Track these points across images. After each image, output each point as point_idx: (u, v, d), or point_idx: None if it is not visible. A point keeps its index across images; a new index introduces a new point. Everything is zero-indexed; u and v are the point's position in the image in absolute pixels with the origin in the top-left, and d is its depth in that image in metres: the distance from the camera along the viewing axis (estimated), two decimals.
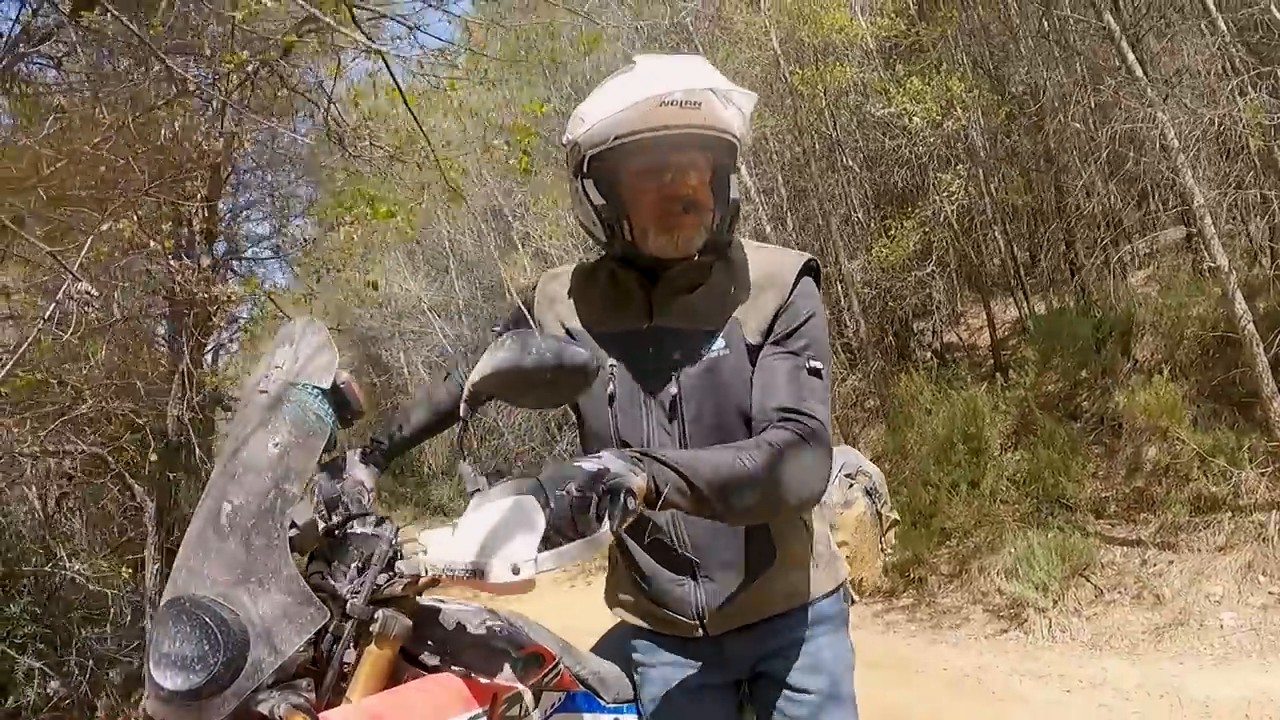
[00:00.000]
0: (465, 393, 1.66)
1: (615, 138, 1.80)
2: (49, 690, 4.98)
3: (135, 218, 4.00)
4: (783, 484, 1.72)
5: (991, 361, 10.69)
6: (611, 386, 1.97)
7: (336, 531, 1.86)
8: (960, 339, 11.89)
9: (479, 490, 1.59)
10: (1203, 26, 7.62)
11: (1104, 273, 9.77)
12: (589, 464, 1.50)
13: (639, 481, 1.50)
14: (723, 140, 1.85)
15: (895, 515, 2.77)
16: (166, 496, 6.03)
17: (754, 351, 1.93)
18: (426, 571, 1.63)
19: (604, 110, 1.81)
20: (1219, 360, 7.71)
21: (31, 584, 5.21)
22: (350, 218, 4.55)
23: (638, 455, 1.55)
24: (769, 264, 2.00)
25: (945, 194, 9.92)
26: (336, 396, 1.97)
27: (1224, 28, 7.41)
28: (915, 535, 8.15)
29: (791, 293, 1.95)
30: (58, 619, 5.23)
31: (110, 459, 5.20)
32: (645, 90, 1.76)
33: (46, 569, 5.12)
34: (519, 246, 13.05)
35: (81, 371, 4.68)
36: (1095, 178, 9.51)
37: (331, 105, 4.71)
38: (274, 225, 10.86)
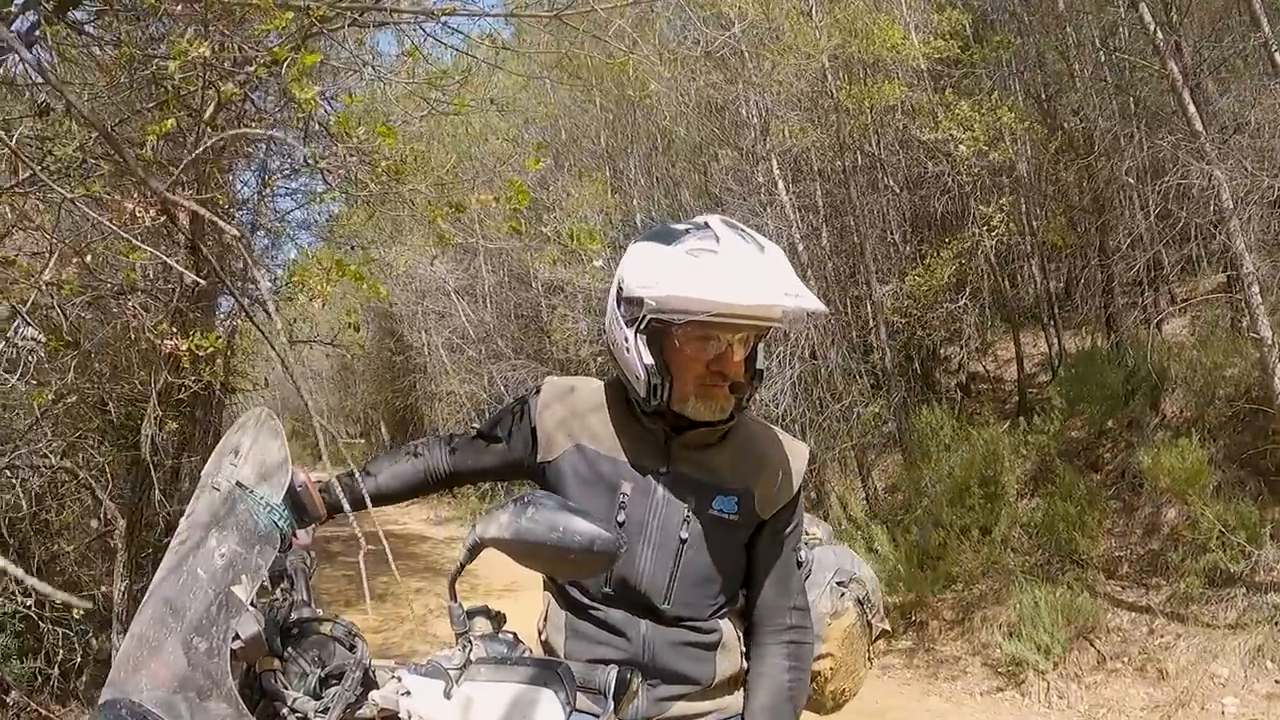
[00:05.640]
0: (469, 542, 1.64)
1: (697, 315, 1.83)
2: (8, 700, 4.95)
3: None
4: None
5: (1017, 399, 10.52)
6: (622, 515, 2.02)
7: (293, 629, 1.78)
8: (986, 370, 11.71)
9: (466, 633, 1.66)
10: (1270, 84, 7.36)
11: (1140, 321, 9.55)
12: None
13: None
14: (773, 327, 1.96)
15: (886, 625, 2.64)
16: (138, 514, 5.98)
17: (758, 525, 2.09)
18: (410, 717, 1.61)
19: (687, 287, 1.84)
20: (1250, 427, 7.50)
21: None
22: (308, 288, 4.35)
23: None
24: (783, 449, 2.15)
25: (985, 227, 9.71)
26: (293, 498, 1.98)
27: None
28: (921, 577, 8.03)
29: (800, 488, 2.15)
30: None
31: (79, 472, 5.15)
32: (745, 291, 1.80)
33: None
34: (549, 239, 12.96)
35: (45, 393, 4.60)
36: (1141, 227, 9.29)
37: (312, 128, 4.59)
38: (298, 200, 10.75)
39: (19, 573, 0.91)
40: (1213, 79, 8.31)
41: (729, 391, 1.95)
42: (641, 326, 1.93)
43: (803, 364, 10.53)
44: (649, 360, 1.93)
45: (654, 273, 1.90)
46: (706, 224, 1.94)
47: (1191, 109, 7.04)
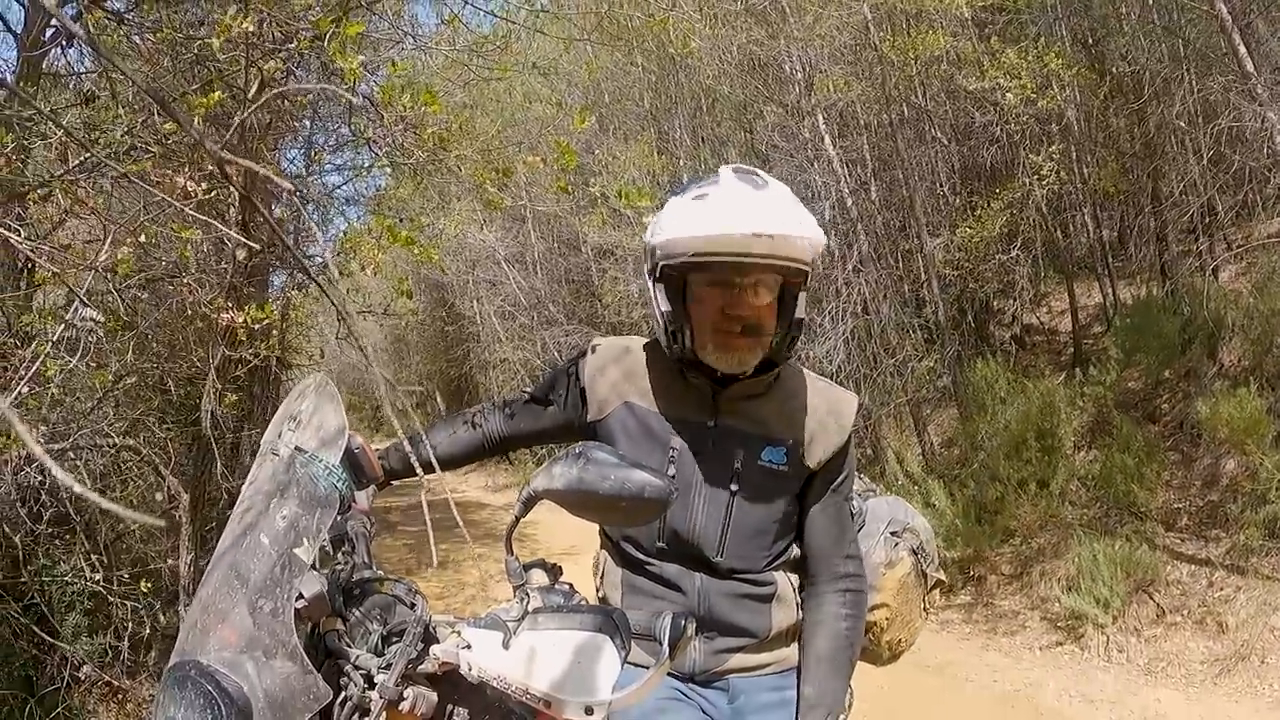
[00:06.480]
0: (524, 494, 1.69)
1: (688, 255, 1.91)
2: (80, 675, 5.11)
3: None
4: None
5: (1072, 350, 10.39)
6: (672, 469, 2.06)
7: (355, 590, 1.82)
8: (1041, 322, 11.57)
9: (523, 585, 1.71)
10: None
11: (1195, 268, 9.38)
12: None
13: None
14: (790, 267, 1.93)
15: (941, 575, 2.64)
16: (201, 489, 6.12)
17: (808, 475, 2.12)
18: (471, 669, 1.65)
19: (682, 228, 1.91)
20: None
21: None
22: (361, 256, 4.42)
23: None
24: (830, 398, 2.17)
25: (1035, 176, 9.56)
26: (350, 460, 2.07)
27: None
28: (978, 532, 7.99)
29: (849, 436, 2.16)
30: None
31: (142, 449, 5.27)
32: (724, 222, 1.86)
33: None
34: (596, 202, 12.92)
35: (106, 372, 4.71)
36: (1195, 172, 9.09)
37: (358, 101, 4.64)
38: (345, 176, 10.83)
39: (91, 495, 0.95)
40: (1263, 19, 8.11)
41: (747, 337, 1.96)
42: (657, 275, 2.00)
43: (855, 320, 10.46)
44: (665, 308, 1.99)
45: (662, 221, 1.99)
46: (718, 171, 1.99)
47: (1242, 50, 6.89)
